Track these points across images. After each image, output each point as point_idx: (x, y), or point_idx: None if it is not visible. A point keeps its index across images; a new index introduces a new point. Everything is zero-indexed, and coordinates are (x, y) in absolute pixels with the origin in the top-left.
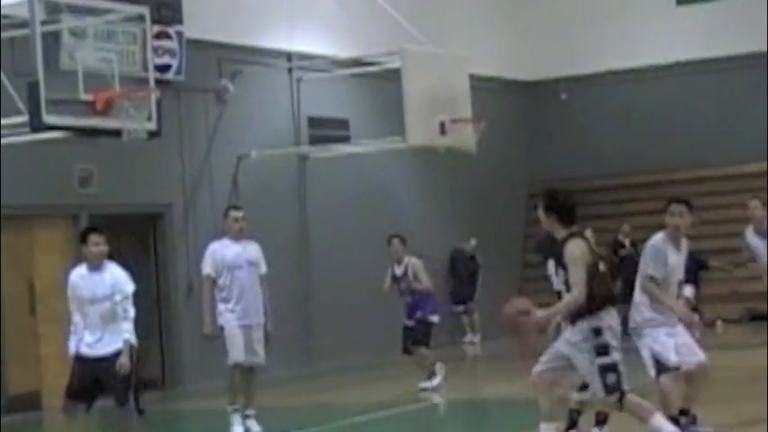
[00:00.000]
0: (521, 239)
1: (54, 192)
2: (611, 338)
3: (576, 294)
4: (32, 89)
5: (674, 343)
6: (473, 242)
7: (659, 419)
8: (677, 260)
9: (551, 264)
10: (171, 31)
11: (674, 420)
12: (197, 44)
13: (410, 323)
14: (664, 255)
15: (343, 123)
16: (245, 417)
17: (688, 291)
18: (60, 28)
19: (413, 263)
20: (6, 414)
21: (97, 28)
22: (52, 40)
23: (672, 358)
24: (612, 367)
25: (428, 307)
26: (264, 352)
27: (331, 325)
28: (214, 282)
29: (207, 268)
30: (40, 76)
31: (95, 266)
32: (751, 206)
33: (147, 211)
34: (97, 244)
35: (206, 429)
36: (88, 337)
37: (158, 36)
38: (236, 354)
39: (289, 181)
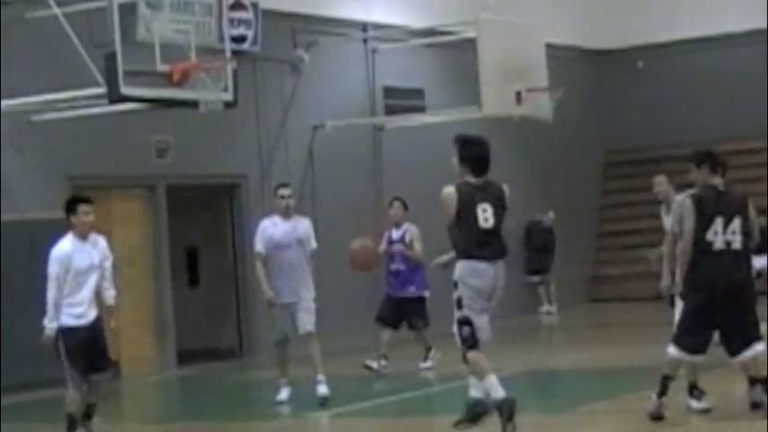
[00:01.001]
0: (596, 209)
1: (131, 163)
2: (465, 293)
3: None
4: (110, 61)
5: None
6: (551, 215)
7: (492, 380)
8: None
9: (719, 221)
10: (246, 1)
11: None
12: (272, 15)
13: (404, 296)
14: (678, 210)
15: (419, 93)
16: (316, 382)
17: (758, 262)
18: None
19: (412, 229)
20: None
21: None
22: (128, 12)
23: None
24: (466, 321)
25: (420, 282)
26: (312, 322)
27: None
28: (266, 258)
29: (258, 245)
30: (118, 47)
31: (84, 236)
32: (656, 182)
33: (223, 181)
34: (87, 213)
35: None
36: (74, 309)
37: (234, 7)
38: (275, 334)
39: (364, 151)
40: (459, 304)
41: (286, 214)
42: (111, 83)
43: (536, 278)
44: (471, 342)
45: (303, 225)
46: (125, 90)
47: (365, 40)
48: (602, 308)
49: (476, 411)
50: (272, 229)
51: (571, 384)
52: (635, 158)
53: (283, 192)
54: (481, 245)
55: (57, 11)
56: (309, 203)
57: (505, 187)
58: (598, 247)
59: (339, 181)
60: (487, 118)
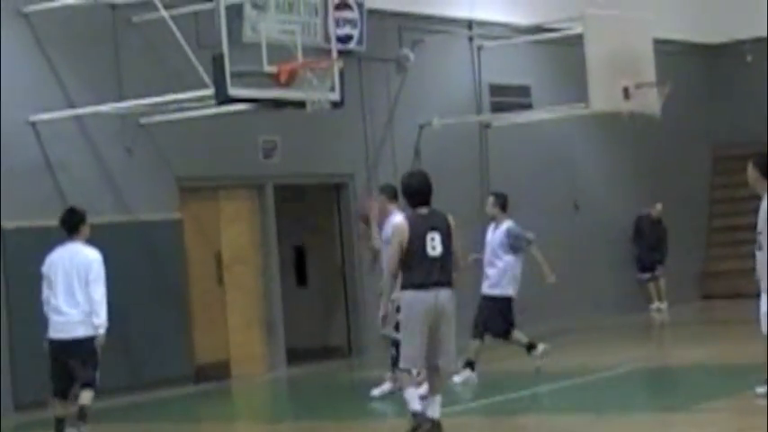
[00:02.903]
0: (706, 204)
1: (239, 163)
2: (404, 319)
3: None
4: (217, 62)
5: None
6: (659, 206)
7: (411, 392)
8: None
9: None
10: (352, 1)
11: None
12: (377, 14)
13: None
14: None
15: (525, 90)
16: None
17: None
18: (242, 1)
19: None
20: (196, 383)
21: (279, 0)
22: (235, 14)
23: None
24: (397, 344)
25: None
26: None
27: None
28: None
29: None
30: (225, 49)
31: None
32: (487, 202)
33: (330, 180)
34: None
35: (387, 397)
36: None
37: (339, 7)
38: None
39: (471, 149)
40: (397, 328)
41: (380, 215)
42: (219, 84)
43: (646, 275)
44: (395, 362)
45: (389, 225)
46: (232, 91)
47: (471, 38)
48: (714, 304)
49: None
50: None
51: (686, 382)
52: (744, 153)
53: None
54: (426, 272)
55: (164, 13)
56: None
57: (450, 218)
58: (708, 242)
59: (446, 179)
60: (595, 114)
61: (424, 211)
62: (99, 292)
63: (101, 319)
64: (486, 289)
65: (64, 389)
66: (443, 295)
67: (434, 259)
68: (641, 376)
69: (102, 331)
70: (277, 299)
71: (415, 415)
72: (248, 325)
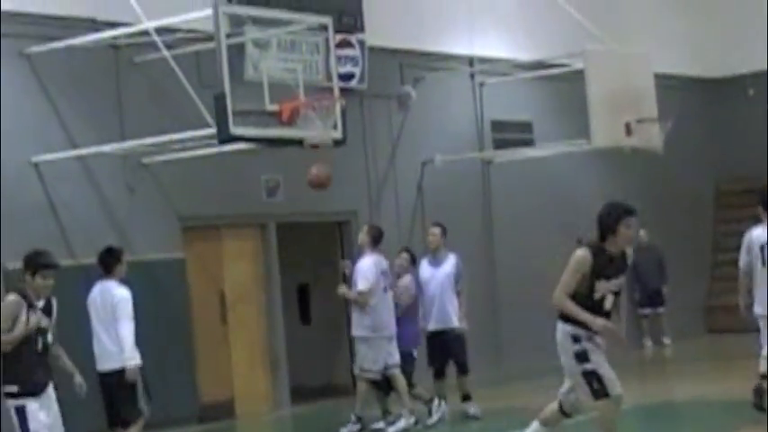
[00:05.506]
0: (710, 238)
1: (242, 202)
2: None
3: None
4: (219, 101)
5: None
6: (642, 232)
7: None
8: None
9: None
10: (353, 39)
11: None
12: (378, 51)
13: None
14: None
15: (527, 126)
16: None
17: None
18: (244, 40)
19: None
20: (200, 423)
21: (280, 39)
22: (236, 53)
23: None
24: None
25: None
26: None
27: (519, 328)
28: None
29: None
30: (227, 88)
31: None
32: (430, 232)
33: (333, 218)
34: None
35: None
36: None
37: (340, 45)
38: None
39: (473, 185)
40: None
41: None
42: (221, 123)
43: (646, 310)
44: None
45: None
46: (235, 130)
47: (472, 75)
48: (719, 339)
49: None
50: None
51: (690, 418)
52: (747, 187)
53: None
54: None
55: (166, 53)
56: (419, 238)
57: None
58: (712, 276)
59: (449, 216)
60: (597, 150)
61: None
62: (125, 328)
63: (125, 353)
64: (456, 323)
65: (110, 419)
66: (558, 327)
67: None
68: (645, 412)
69: (129, 365)
70: (281, 337)
71: None
72: (252, 363)
